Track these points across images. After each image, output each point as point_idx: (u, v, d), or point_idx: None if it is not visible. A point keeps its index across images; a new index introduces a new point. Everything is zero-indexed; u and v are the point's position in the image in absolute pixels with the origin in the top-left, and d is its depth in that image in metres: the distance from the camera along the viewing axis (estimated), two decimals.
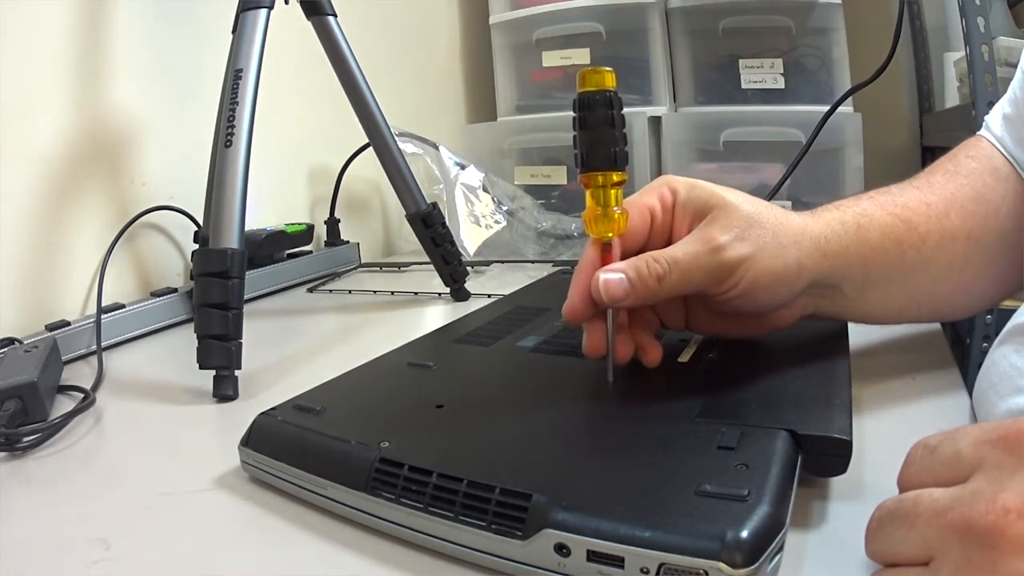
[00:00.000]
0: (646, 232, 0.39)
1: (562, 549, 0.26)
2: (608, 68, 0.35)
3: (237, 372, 0.51)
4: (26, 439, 0.43)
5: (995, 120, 0.48)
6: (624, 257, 0.37)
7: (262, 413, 0.38)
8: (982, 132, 0.49)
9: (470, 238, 0.97)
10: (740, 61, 1.13)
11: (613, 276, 0.36)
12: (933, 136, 1.32)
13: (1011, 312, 0.41)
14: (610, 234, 0.37)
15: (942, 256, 0.43)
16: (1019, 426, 0.22)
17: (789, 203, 1.06)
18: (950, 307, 0.46)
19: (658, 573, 0.24)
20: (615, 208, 0.36)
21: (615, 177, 0.36)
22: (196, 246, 0.76)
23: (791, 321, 0.42)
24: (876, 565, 0.25)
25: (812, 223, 0.40)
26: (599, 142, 0.35)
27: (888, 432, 0.38)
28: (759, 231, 0.37)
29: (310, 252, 0.94)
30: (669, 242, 0.38)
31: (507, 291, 0.68)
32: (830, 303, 0.42)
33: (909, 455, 0.25)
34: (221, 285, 0.51)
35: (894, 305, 0.44)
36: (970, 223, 0.43)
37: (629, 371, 0.41)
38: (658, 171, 1.19)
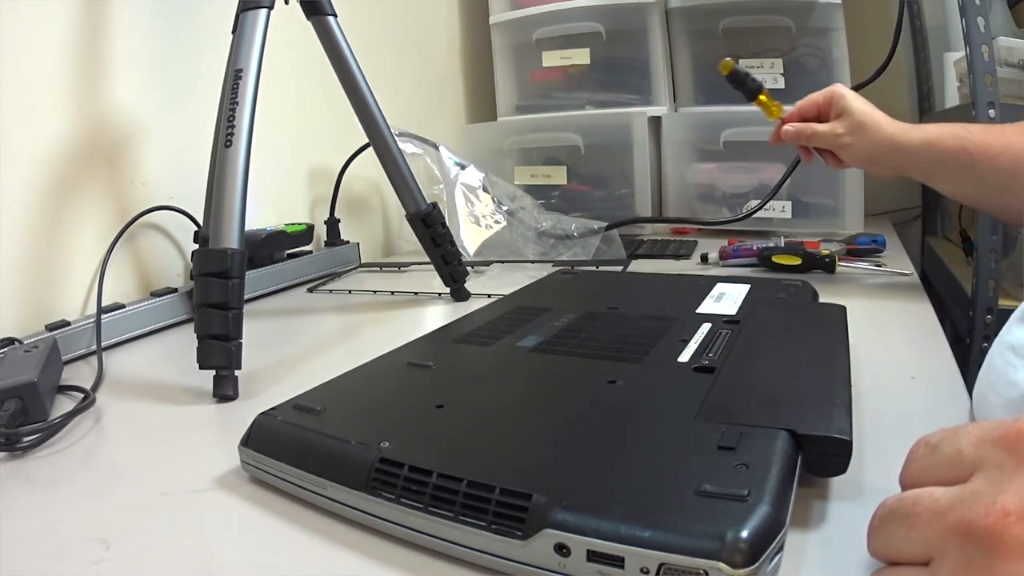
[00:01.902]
0: (815, 112, 0.73)
1: (562, 549, 0.26)
2: (728, 57, 0.77)
3: (237, 372, 0.51)
4: (26, 439, 0.43)
5: None
6: (803, 120, 0.73)
7: (262, 413, 0.38)
8: None
9: (470, 238, 0.97)
10: (740, 61, 1.13)
11: (790, 128, 0.74)
12: None
13: (1011, 312, 0.41)
14: (771, 117, 0.77)
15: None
16: (1020, 425, 0.21)
17: (789, 203, 1.06)
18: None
19: (658, 573, 0.24)
20: (771, 106, 0.77)
21: (761, 97, 0.77)
22: (196, 246, 0.76)
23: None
24: (876, 564, 0.25)
25: (905, 140, 0.66)
26: (748, 89, 0.77)
27: (888, 432, 0.38)
28: (862, 134, 0.68)
29: (310, 252, 0.94)
30: (827, 119, 0.72)
31: (507, 291, 0.68)
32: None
33: (910, 453, 0.25)
34: (221, 285, 0.51)
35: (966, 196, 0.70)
36: None
37: (629, 371, 0.41)
38: (658, 170, 1.19)
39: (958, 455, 0.23)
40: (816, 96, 0.72)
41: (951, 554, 0.21)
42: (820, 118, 0.72)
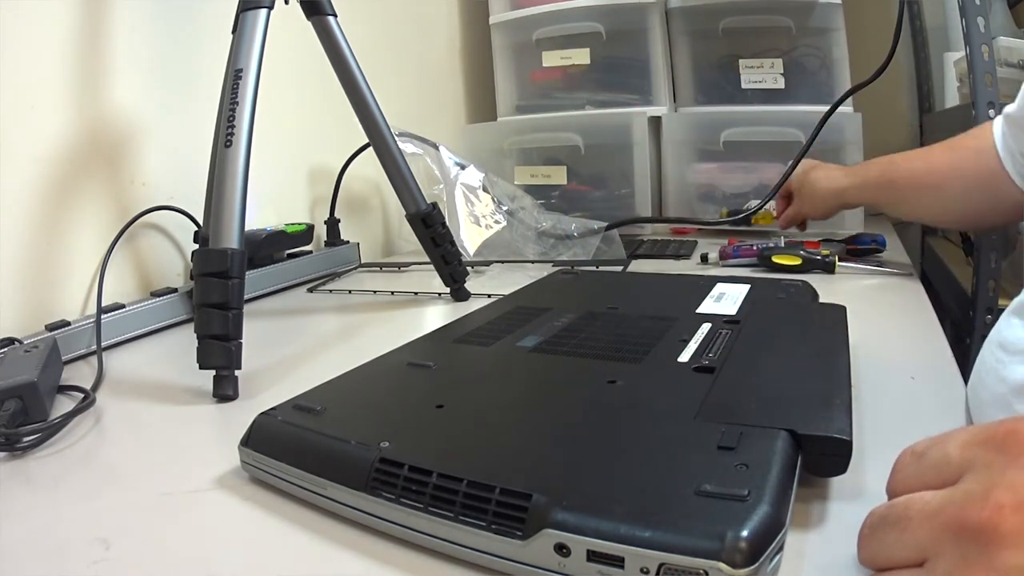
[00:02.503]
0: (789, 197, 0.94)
1: (562, 549, 0.26)
2: (724, 208, 1.07)
3: (237, 372, 0.51)
4: (26, 439, 0.43)
5: (997, 122, 0.62)
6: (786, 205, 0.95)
7: (262, 413, 0.38)
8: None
9: (470, 238, 0.97)
10: (740, 61, 1.13)
11: (782, 221, 0.95)
12: (933, 136, 1.32)
13: None
14: (771, 221, 1.01)
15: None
16: (1007, 426, 0.22)
17: None
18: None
19: (658, 573, 0.24)
20: (764, 215, 1.00)
21: (759, 214, 0.99)
22: (196, 246, 0.76)
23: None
24: None
25: (840, 190, 0.82)
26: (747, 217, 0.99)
27: (888, 432, 0.38)
28: (809, 199, 0.88)
29: (310, 252, 0.94)
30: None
31: (507, 291, 0.68)
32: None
33: (897, 462, 0.26)
34: (221, 285, 0.51)
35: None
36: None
37: (629, 371, 0.41)
38: (658, 170, 1.19)
39: (945, 459, 0.23)
40: (782, 190, 0.93)
41: (946, 552, 0.21)
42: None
